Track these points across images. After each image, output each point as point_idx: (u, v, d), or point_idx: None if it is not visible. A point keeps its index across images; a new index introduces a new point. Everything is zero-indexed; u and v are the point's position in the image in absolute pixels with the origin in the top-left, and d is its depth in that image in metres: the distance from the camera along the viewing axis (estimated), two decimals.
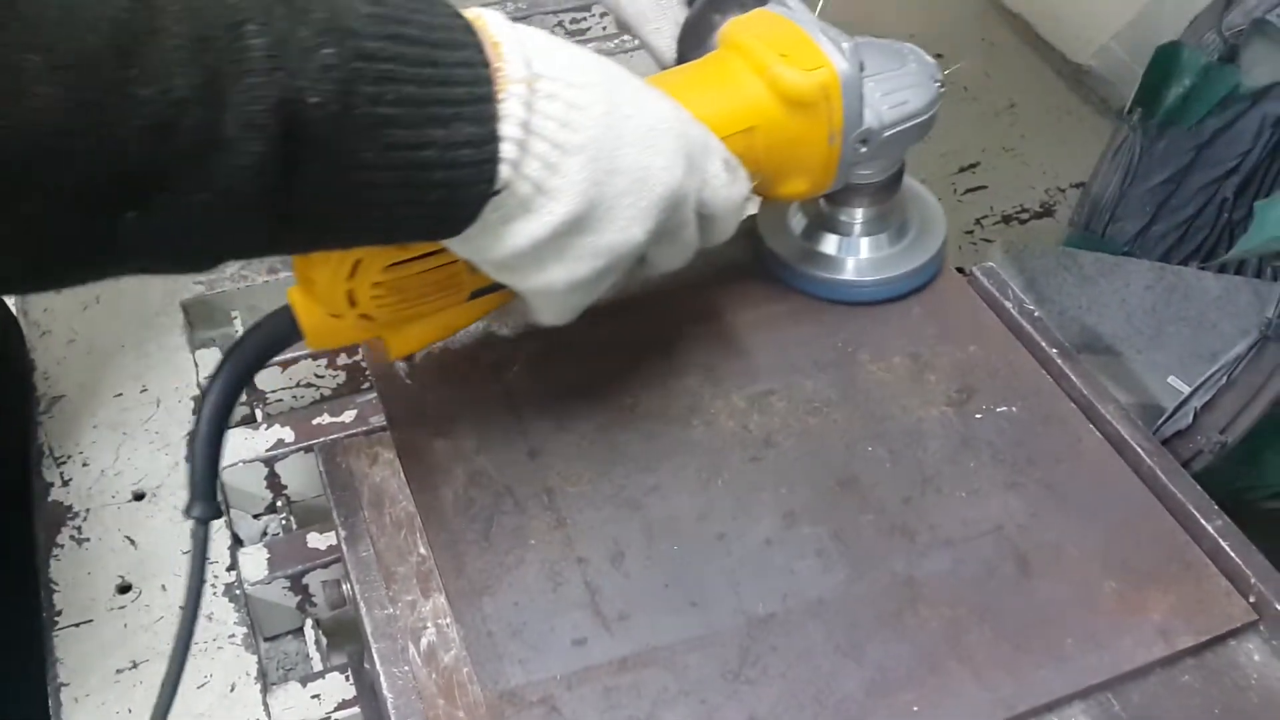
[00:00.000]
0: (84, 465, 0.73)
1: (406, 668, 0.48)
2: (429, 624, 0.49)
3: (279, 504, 0.76)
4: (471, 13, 0.44)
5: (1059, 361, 0.61)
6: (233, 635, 0.65)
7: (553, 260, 0.46)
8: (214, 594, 0.67)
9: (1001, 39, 1.33)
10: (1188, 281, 0.82)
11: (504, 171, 0.43)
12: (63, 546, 0.69)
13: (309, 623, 0.70)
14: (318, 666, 0.68)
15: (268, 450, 0.74)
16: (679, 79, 0.57)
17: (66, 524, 0.70)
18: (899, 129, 0.58)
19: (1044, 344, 0.62)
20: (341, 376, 0.81)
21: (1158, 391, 0.71)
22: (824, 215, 0.65)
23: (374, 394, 0.76)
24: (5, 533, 0.74)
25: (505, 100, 0.42)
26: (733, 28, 0.57)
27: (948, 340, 0.63)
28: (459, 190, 0.43)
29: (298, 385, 0.80)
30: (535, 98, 0.43)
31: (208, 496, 0.49)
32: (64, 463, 0.73)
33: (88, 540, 0.70)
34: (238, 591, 0.67)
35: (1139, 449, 0.57)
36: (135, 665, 0.64)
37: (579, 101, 0.44)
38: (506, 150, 0.42)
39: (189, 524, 0.70)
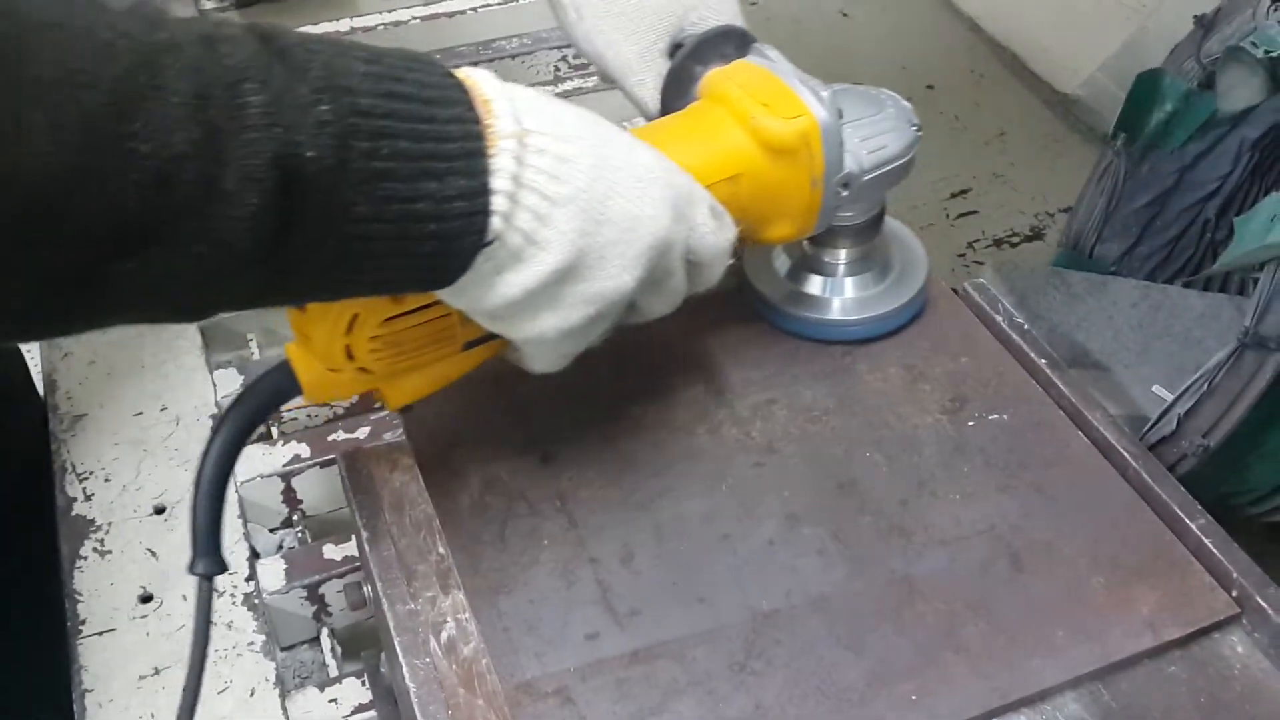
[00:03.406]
0: (106, 481, 0.76)
1: (428, 659, 0.50)
2: (449, 618, 0.51)
3: (295, 518, 0.78)
4: (462, 72, 0.45)
5: (1047, 371, 0.64)
6: (252, 643, 0.67)
7: (545, 309, 0.48)
8: (233, 603, 0.69)
9: (991, 71, 1.37)
10: (1172, 299, 0.84)
11: (495, 223, 0.44)
12: (86, 558, 0.71)
13: (324, 631, 0.72)
14: (334, 673, 0.70)
15: (284, 466, 0.77)
16: (664, 131, 0.58)
17: (89, 537, 0.72)
18: (879, 173, 0.59)
19: (1033, 355, 0.65)
20: (354, 396, 0.83)
21: (1144, 403, 0.74)
22: (808, 257, 0.66)
23: (386, 411, 0.79)
24: (28, 547, 0.76)
25: (496, 155, 0.44)
26: (714, 79, 0.59)
27: (941, 352, 0.65)
28: (451, 242, 0.44)
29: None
30: (525, 152, 0.44)
31: (212, 552, 0.50)
32: (86, 478, 0.76)
33: (110, 552, 0.72)
34: (256, 601, 0.69)
35: (1125, 453, 0.60)
36: (157, 672, 0.66)
37: (567, 155, 0.46)
38: (498, 203, 0.44)
39: None
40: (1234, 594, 0.54)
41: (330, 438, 0.78)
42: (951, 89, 1.33)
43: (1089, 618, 0.53)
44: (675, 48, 0.65)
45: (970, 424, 0.62)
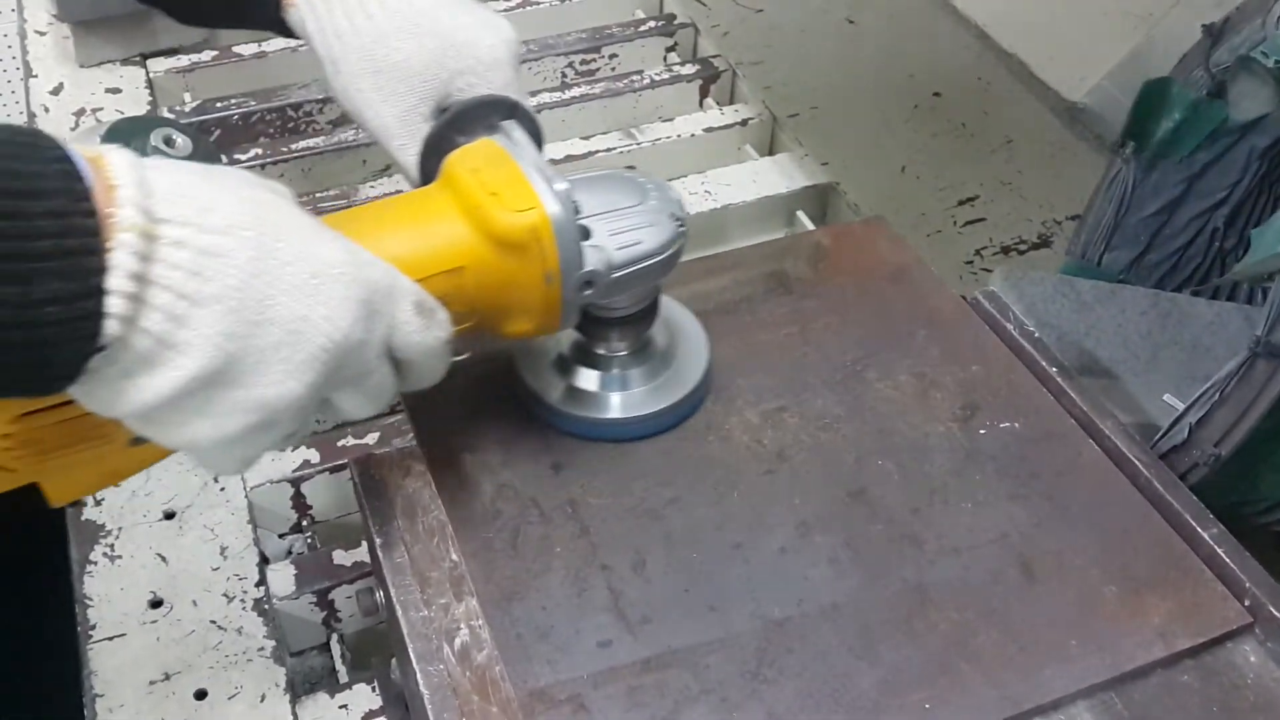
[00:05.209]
0: (116, 486, 0.76)
1: (441, 666, 0.50)
2: (462, 625, 0.51)
3: (304, 523, 0.78)
4: (95, 151, 0.41)
5: (1059, 380, 0.64)
6: (262, 648, 0.67)
7: (195, 416, 0.43)
8: (243, 609, 0.69)
9: (997, 78, 1.37)
10: (1181, 308, 0.84)
11: (111, 326, 0.39)
12: (96, 563, 0.72)
13: (334, 637, 0.73)
14: (344, 679, 0.70)
15: (294, 471, 0.77)
16: (381, 215, 0.53)
17: (100, 541, 0.73)
18: (630, 270, 0.55)
19: (1044, 363, 0.65)
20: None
21: (1154, 412, 0.74)
22: (581, 349, 0.61)
23: (395, 418, 0.79)
24: (39, 552, 0.76)
25: (113, 250, 0.39)
26: (451, 160, 0.54)
27: (952, 360, 0.65)
28: (47, 349, 0.39)
29: None
30: (155, 246, 0.40)
31: None
32: None
33: (120, 557, 0.72)
34: (266, 606, 0.69)
35: (1137, 462, 0.60)
36: (168, 677, 0.66)
37: (216, 249, 0.41)
38: (114, 304, 0.39)
39: (217, 542, 0.73)
40: (1246, 603, 0.54)
41: (340, 443, 0.79)
42: (958, 96, 1.33)
43: (1101, 627, 0.53)
44: (441, 112, 0.61)
45: (981, 432, 0.62)
